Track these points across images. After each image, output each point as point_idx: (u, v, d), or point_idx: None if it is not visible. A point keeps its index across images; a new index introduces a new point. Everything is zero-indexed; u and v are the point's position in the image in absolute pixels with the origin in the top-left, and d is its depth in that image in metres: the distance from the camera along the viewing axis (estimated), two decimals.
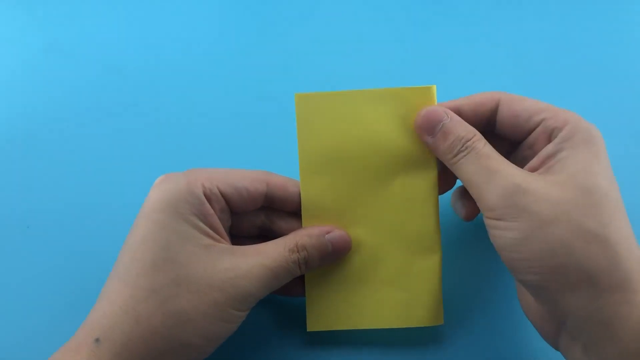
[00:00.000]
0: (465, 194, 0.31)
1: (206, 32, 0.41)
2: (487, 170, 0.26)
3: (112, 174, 0.36)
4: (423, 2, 0.41)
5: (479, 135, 0.27)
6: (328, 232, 0.29)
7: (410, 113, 0.29)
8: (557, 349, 0.26)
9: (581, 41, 0.39)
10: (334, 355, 0.32)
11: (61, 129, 0.37)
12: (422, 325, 0.30)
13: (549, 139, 0.26)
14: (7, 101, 0.38)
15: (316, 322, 0.31)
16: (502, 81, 0.38)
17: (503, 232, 0.25)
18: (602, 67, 0.38)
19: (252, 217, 0.31)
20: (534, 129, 0.27)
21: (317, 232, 0.29)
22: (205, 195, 0.27)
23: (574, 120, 0.26)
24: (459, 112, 0.28)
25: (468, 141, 0.27)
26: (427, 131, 0.28)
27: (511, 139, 0.29)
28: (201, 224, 0.27)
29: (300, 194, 0.30)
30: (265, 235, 0.31)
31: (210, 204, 0.27)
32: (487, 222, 0.26)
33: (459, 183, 0.33)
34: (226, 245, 0.28)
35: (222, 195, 0.28)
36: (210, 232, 0.27)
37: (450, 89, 0.32)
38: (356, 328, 0.31)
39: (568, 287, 0.23)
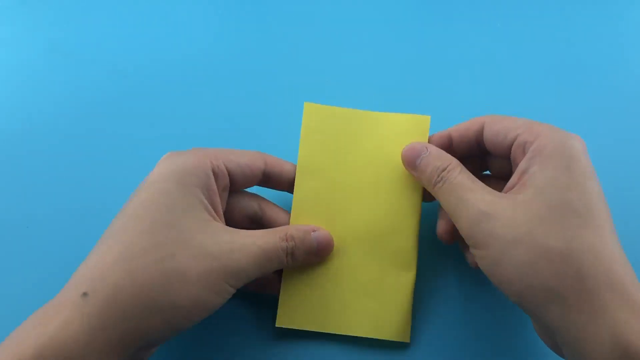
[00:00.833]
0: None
1: (207, 32, 0.41)
2: (459, 199, 0.27)
3: (112, 174, 0.36)
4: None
5: (454, 163, 0.29)
6: (314, 231, 0.31)
7: (405, 138, 0.32)
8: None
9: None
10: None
11: (61, 129, 0.38)
12: (387, 339, 0.31)
13: (524, 154, 0.27)
14: (8, 101, 0.39)
15: (285, 319, 0.31)
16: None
17: (479, 259, 0.26)
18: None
19: (246, 204, 0.32)
20: (512, 145, 0.28)
21: (304, 228, 0.31)
22: (212, 171, 0.28)
23: (546, 133, 0.26)
24: (449, 139, 0.31)
25: (443, 171, 0.29)
26: (409, 165, 0.31)
27: (501, 157, 0.30)
28: (204, 200, 0.27)
29: (294, 173, 0.32)
30: (255, 228, 0.33)
31: (215, 180, 0.28)
32: (470, 248, 0.27)
33: None
34: (222, 224, 0.29)
35: (227, 171, 0.29)
36: (210, 209, 0.28)
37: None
38: (324, 331, 0.31)
39: (542, 306, 0.24)
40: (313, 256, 0.31)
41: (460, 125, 0.31)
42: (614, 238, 0.24)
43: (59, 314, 0.24)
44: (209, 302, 0.26)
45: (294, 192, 0.32)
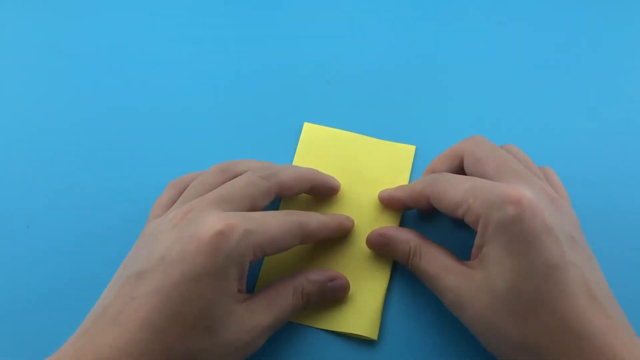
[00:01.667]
0: None
1: (207, 32, 0.41)
2: (429, 284, 0.29)
3: (112, 174, 0.36)
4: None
5: (413, 245, 0.30)
6: (332, 280, 0.31)
7: (389, 166, 0.35)
8: None
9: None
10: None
11: (61, 129, 0.37)
12: (355, 332, 0.31)
13: (477, 226, 0.27)
14: (8, 101, 0.38)
15: None
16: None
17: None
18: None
19: None
20: (464, 218, 0.27)
21: (321, 279, 0.30)
22: (250, 261, 0.27)
23: (485, 212, 0.25)
24: (404, 205, 0.32)
25: (409, 255, 0.30)
26: (378, 251, 0.32)
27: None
28: (234, 288, 0.26)
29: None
30: None
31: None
32: None
33: None
34: (245, 301, 0.27)
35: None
36: (236, 291, 0.26)
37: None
38: (294, 321, 0.31)
39: None
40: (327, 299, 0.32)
41: (411, 193, 0.31)
42: (581, 294, 0.23)
43: None
44: None
45: (280, 202, 0.33)
